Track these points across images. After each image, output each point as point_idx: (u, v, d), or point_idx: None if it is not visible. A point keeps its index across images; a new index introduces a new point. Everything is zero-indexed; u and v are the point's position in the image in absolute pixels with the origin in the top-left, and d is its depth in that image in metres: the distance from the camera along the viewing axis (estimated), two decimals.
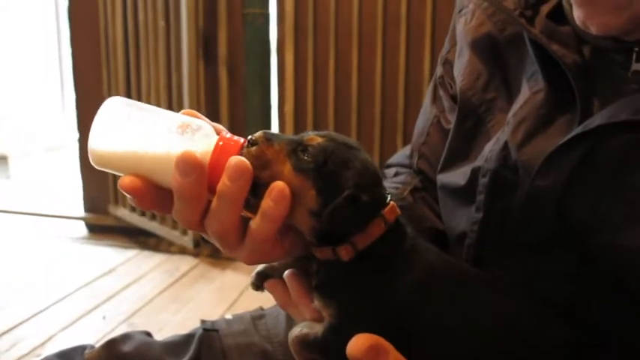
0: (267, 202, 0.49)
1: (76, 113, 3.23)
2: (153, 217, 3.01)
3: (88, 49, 3.11)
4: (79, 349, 0.83)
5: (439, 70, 0.83)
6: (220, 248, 0.55)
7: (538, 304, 0.56)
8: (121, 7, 2.95)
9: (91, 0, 3.04)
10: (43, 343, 2.04)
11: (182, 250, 2.89)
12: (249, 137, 0.51)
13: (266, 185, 0.49)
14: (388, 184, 0.88)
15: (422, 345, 0.53)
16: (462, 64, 0.73)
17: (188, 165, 0.48)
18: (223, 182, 0.49)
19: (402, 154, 0.94)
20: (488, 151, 0.64)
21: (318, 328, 0.54)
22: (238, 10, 2.84)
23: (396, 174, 0.90)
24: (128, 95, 3.00)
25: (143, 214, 3.04)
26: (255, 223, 0.50)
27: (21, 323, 2.18)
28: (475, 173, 0.66)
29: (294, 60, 2.80)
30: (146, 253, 2.93)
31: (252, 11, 2.81)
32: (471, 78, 0.71)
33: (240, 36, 2.85)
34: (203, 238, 0.54)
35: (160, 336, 0.88)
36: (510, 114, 0.64)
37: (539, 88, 0.62)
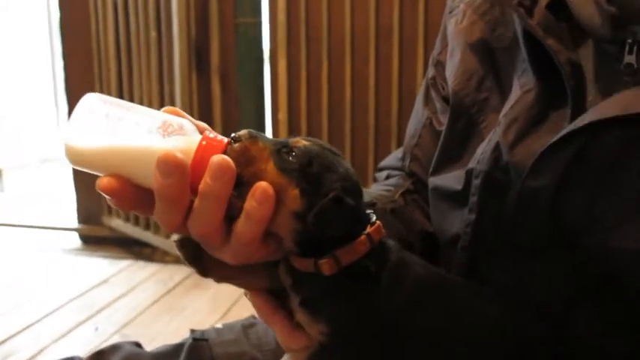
0: (250, 203, 0.48)
1: None
2: (147, 227, 2.99)
3: (81, 60, 3.11)
4: None
5: (431, 72, 0.82)
6: (205, 249, 0.53)
7: (518, 308, 0.58)
8: (112, 18, 2.95)
9: (82, 12, 3.04)
10: (34, 356, 2.03)
11: (177, 260, 2.87)
12: (233, 135, 0.50)
13: (249, 184, 0.48)
14: (380, 186, 0.87)
15: (415, 354, 0.53)
16: (454, 64, 0.73)
17: (169, 165, 0.47)
18: (205, 181, 0.47)
19: (393, 157, 0.93)
20: (481, 152, 0.64)
21: (302, 355, 0.53)
22: (230, 20, 2.84)
23: (388, 177, 0.89)
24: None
25: (137, 223, 3.02)
26: (239, 224, 0.49)
27: (13, 335, 2.17)
28: (469, 175, 0.65)
29: (286, 68, 2.80)
30: (140, 264, 2.91)
31: (244, 20, 2.82)
32: (463, 78, 0.70)
33: (233, 45, 2.85)
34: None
35: (151, 347, 0.86)
36: (502, 114, 0.64)
37: (530, 87, 0.62)
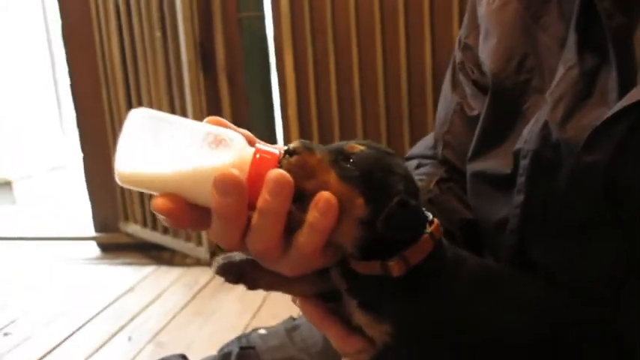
0: (313, 214, 0.47)
1: (78, 133, 3.22)
2: (165, 231, 2.99)
3: (85, 67, 3.09)
4: None
5: (458, 56, 0.81)
6: (260, 263, 0.53)
7: (566, 291, 0.59)
8: (115, 21, 2.92)
9: (84, 18, 3.01)
10: None
11: (197, 262, 2.87)
12: (287, 147, 0.49)
13: (310, 196, 0.47)
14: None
15: (476, 349, 0.53)
16: (491, 47, 0.71)
17: (228, 184, 0.46)
18: (264, 198, 0.47)
19: (422, 145, 0.92)
20: (527, 132, 0.62)
21: (363, 358, 0.53)
22: (233, 15, 2.82)
23: (419, 165, 0.89)
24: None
25: (155, 228, 3.02)
26: (302, 236, 0.48)
27: (46, 355, 2.17)
28: (516, 156, 0.64)
29: (293, 61, 2.77)
30: (163, 269, 2.92)
31: (247, 15, 2.79)
32: (502, 60, 0.69)
33: (238, 41, 2.83)
34: (219, 247, 0.52)
35: (191, 353, 0.86)
36: (548, 93, 0.62)
37: (573, 63, 0.61)
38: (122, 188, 3.14)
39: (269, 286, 0.57)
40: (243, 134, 0.52)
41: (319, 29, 2.73)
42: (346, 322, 0.57)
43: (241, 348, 0.89)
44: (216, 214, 0.48)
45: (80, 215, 3.66)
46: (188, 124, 0.50)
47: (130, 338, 2.22)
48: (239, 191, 0.46)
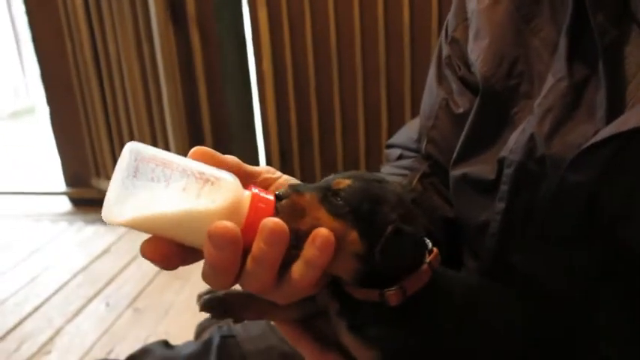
0: (311, 251, 0.47)
1: (43, 88, 3.09)
2: None
3: (47, 20, 2.92)
4: None
5: (445, 49, 0.79)
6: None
7: (544, 299, 0.61)
8: None
9: None
10: (51, 338, 2.04)
11: None
12: (277, 192, 0.50)
13: (305, 235, 0.47)
14: (393, 168, 0.87)
15: None
16: (482, 48, 0.69)
17: (223, 239, 0.45)
18: (259, 246, 0.46)
19: (405, 135, 0.92)
20: (514, 142, 0.63)
21: None
22: None
23: (401, 156, 0.89)
24: (98, 69, 2.87)
25: None
26: (297, 271, 0.48)
27: (25, 319, 2.17)
28: (500, 164, 0.64)
29: (267, 13, 2.67)
30: None
31: None
32: (493, 64, 0.68)
33: None
34: None
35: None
36: (536, 103, 0.62)
37: (562, 74, 0.60)
38: (92, 142, 3.08)
39: (255, 317, 0.58)
40: (232, 164, 0.52)
41: None
42: (325, 340, 0.58)
43: (222, 337, 0.90)
44: (209, 265, 0.48)
45: (49, 168, 3.58)
46: (181, 162, 0.49)
47: (107, 304, 2.22)
48: (235, 245, 0.46)
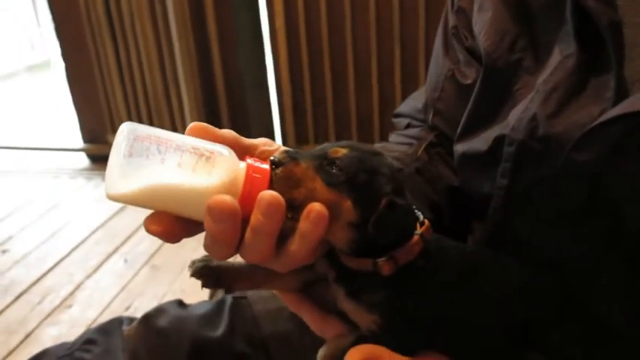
0: (305, 225, 0.48)
1: (58, 45, 3.10)
2: None
3: None
4: (116, 323, 0.87)
5: (452, 19, 0.78)
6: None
7: (544, 270, 0.62)
8: None
9: None
10: (72, 293, 2.12)
11: None
12: (272, 158, 0.50)
13: (301, 205, 0.49)
14: (400, 137, 0.87)
15: (455, 335, 0.57)
16: (485, 21, 0.69)
17: (222, 212, 0.46)
18: (257, 218, 0.48)
19: (412, 105, 0.91)
20: (515, 119, 0.62)
21: (347, 340, 0.56)
22: None
23: (409, 125, 0.89)
24: (111, 27, 2.86)
25: None
26: (294, 244, 0.50)
27: (46, 273, 2.25)
28: (498, 140, 0.65)
29: None
30: None
31: None
32: (495, 38, 0.67)
33: None
34: None
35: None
36: (540, 80, 0.62)
37: (571, 52, 0.60)
38: (107, 99, 3.10)
39: (249, 288, 0.60)
40: (229, 138, 0.53)
41: None
42: (326, 305, 0.60)
43: (234, 298, 0.93)
44: (210, 237, 0.49)
45: (66, 124, 3.62)
46: (176, 139, 0.50)
47: (126, 260, 2.29)
48: (233, 217, 0.47)
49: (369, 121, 2.87)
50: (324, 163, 0.50)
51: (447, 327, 0.56)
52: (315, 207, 0.48)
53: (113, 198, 0.48)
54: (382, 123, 2.85)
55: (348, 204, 0.50)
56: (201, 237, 0.53)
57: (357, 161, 0.51)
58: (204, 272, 0.57)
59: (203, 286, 0.58)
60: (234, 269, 0.58)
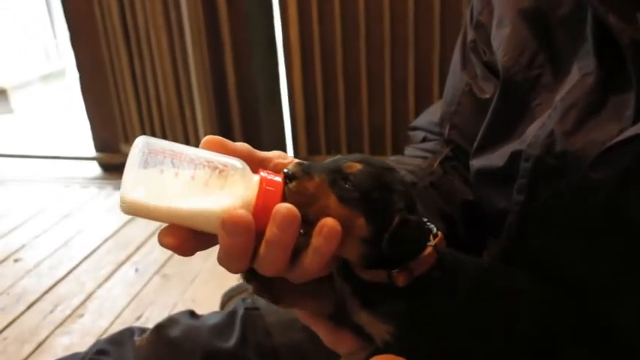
0: (318, 240, 0.48)
1: (73, 55, 3.13)
2: None
3: None
4: (127, 333, 0.87)
5: (470, 34, 0.78)
6: None
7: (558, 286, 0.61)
8: None
9: None
10: (83, 302, 2.12)
11: None
12: (285, 171, 0.50)
13: (313, 221, 0.48)
14: (416, 151, 0.87)
15: (470, 348, 0.56)
16: (504, 36, 0.68)
17: (238, 226, 0.47)
18: (272, 231, 0.48)
19: (428, 119, 0.92)
20: (533, 135, 0.62)
21: (362, 356, 0.56)
22: None
23: (424, 139, 0.89)
24: (125, 31, 2.89)
25: None
26: (307, 258, 0.50)
27: (58, 282, 2.25)
28: (515, 156, 0.64)
29: None
30: None
31: None
32: (514, 53, 0.67)
33: None
34: None
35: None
36: (558, 97, 0.61)
37: (590, 70, 0.59)
38: (121, 109, 3.12)
39: (290, 305, 0.59)
40: (243, 151, 0.53)
41: None
42: (339, 319, 0.59)
43: (246, 309, 0.93)
44: (224, 251, 0.49)
45: (79, 132, 3.64)
46: (190, 152, 0.50)
47: (136, 270, 2.29)
48: (247, 231, 0.47)
49: (382, 133, 2.86)
50: (337, 178, 0.50)
51: (461, 338, 0.55)
52: (328, 222, 0.48)
53: (127, 212, 0.48)
54: (394, 135, 2.84)
55: (361, 221, 0.50)
56: (212, 247, 0.52)
57: (371, 177, 0.51)
58: (255, 274, 0.55)
59: (254, 290, 0.57)
60: (284, 280, 0.56)
